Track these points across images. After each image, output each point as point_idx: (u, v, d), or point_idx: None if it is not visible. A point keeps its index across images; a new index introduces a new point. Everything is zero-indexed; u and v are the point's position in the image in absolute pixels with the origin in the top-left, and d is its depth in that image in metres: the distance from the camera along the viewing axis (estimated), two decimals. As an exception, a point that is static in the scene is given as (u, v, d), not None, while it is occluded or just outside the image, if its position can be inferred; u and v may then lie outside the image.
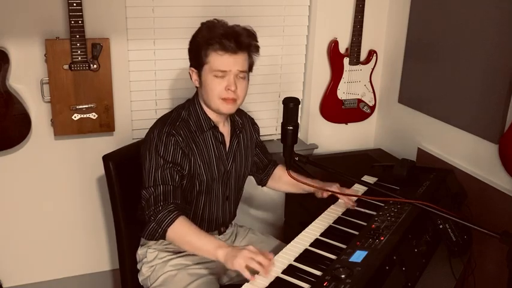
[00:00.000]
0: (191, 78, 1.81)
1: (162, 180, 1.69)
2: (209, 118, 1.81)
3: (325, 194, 1.92)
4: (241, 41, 1.70)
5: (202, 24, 1.76)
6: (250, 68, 1.79)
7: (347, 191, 1.93)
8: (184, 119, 1.78)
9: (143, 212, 1.70)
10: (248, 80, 1.79)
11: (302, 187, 1.99)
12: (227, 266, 1.52)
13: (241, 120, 1.95)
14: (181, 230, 1.63)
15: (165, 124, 1.75)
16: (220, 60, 1.69)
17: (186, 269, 1.80)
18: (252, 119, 2.05)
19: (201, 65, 1.73)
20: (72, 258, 2.58)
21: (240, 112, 1.96)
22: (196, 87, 1.81)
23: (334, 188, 1.89)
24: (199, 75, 1.75)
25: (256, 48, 1.77)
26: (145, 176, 1.72)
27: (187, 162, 1.74)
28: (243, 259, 1.46)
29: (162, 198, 1.67)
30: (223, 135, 1.85)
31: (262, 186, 2.14)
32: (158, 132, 1.73)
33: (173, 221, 1.62)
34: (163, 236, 1.65)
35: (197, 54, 1.73)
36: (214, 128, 1.82)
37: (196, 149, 1.77)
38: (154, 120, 1.83)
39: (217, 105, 1.75)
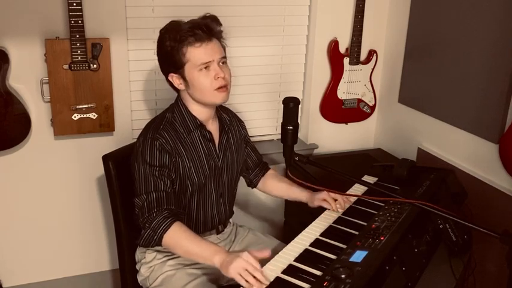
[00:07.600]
0: (172, 86, 1.79)
1: (154, 186, 1.69)
2: (195, 117, 1.80)
3: (316, 203, 1.91)
4: (211, 27, 1.72)
5: (162, 30, 1.75)
6: (225, 52, 1.79)
7: (337, 196, 1.91)
8: (169, 121, 1.78)
9: (138, 220, 1.70)
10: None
11: (290, 194, 2.01)
12: (223, 272, 1.52)
13: (229, 117, 1.96)
14: (177, 236, 1.63)
15: (149, 130, 1.75)
16: (200, 53, 1.69)
17: (185, 269, 1.81)
18: (238, 116, 2.05)
19: (181, 66, 1.71)
20: (72, 258, 2.57)
21: (226, 110, 1.97)
22: (178, 90, 1.79)
23: (324, 194, 1.89)
24: (183, 77, 1.74)
25: (222, 33, 1.77)
26: (136, 184, 1.72)
27: (175, 164, 1.74)
28: (237, 269, 1.45)
29: (156, 205, 1.67)
30: (211, 133, 1.84)
31: (253, 187, 2.14)
32: (143, 140, 1.73)
33: (169, 227, 1.63)
34: (159, 243, 1.65)
35: (173, 58, 1.71)
36: (201, 126, 1.81)
37: (184, 151, 1.76)
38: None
39: (212, 97, 1.74)
